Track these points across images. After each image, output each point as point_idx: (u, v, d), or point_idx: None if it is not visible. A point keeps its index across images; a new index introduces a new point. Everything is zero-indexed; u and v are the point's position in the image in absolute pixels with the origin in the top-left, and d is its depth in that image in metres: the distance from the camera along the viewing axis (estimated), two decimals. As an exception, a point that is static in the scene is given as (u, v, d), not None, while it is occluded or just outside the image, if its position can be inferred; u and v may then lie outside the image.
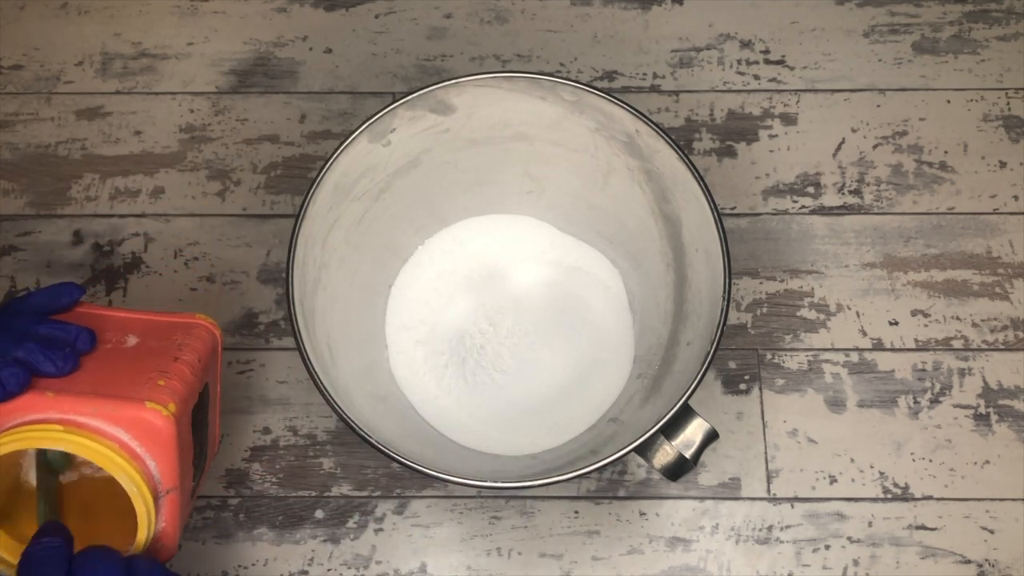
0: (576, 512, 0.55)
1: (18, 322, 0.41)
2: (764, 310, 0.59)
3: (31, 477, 0.43)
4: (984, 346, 0.58)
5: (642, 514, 0.55)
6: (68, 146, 0.63)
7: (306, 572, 0.54)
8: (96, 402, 0.39)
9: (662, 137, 0.47)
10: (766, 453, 0.56)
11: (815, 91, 0.64)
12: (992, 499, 0.55)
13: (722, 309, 0.45)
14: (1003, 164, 0.62)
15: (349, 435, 0.54)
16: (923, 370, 0.58)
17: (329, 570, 0.54)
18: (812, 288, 0.60)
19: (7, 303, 0.43)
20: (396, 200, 0.54)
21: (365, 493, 0.56)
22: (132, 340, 0.44)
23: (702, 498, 0.55)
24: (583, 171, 0.54)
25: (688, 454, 0.45)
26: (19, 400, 0.38)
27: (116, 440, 0.39)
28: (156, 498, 0.40)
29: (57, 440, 0.38)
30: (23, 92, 0.64)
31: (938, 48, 0.65)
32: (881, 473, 0.56)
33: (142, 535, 0.39)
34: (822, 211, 0.61)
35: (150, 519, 0.39)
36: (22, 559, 0.37)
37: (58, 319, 0.42)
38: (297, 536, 0.55)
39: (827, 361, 0.58)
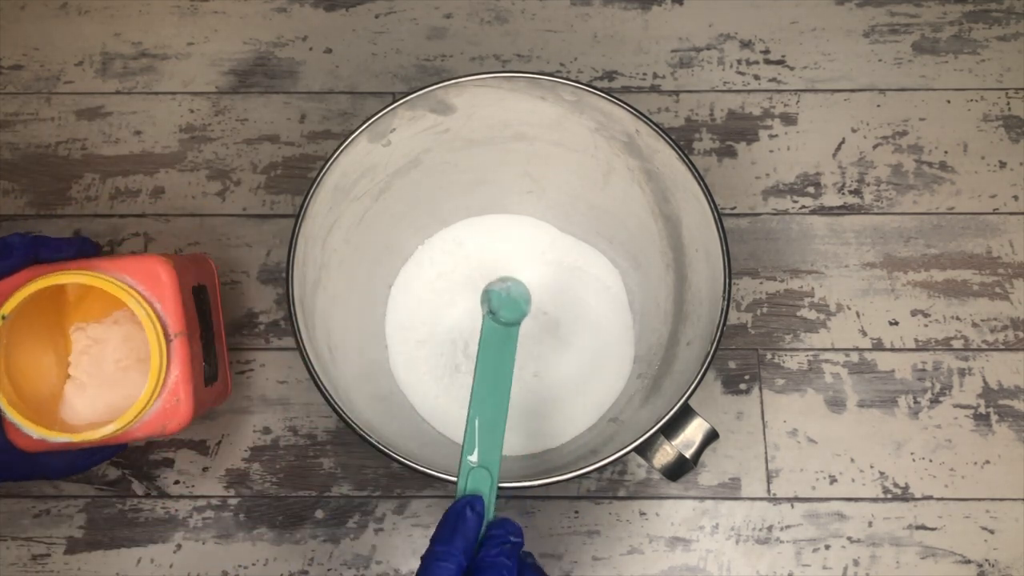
0: (576, 512, 0.55)
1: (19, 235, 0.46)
2: (764, 310, 0.59)
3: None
4: (984, 346, 0.58)
5: (642, 514, 0.55)
6: (68, 146, 0.63)
7: (306, 572, 0.54)
8: (106, 260, 0.44)
9: (662, 137, 0.47)
10: (766, 453, 0.56)
11: (815, 91, 0.64)
12: (992, 499, 0.55)
13: (722, 309, 0.45)
14: (1003, 164, 0.62)
15: (349, 435, 0.54)
16: (923, 370, 0.58)
17: (329, 570, 0.54)
18: (812, 288, 0.60)
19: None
20: (396, 200, 0.54)
21: (365, 493, 0.56)
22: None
23: (702, 498, 0.55)
24: (583, 171, 0.54)
25: (688, 454, 0.45)
26: (41, 268, 0.44)
27: (126, 283, 0.44)
28: (167, 340, 0.44)
29: (76, 275, 0.43)
30: (23, 92, 0.64)
31: (938, 48, 0.65)
32: (881, 473, 0.56)
33: (154, 369, 0.43)
34: (822, 211, 0.61)
35: (162, 353, 0.43)
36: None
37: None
38: (297, 536, 0.55)
39: (827, 361, 0.58)
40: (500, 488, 0.43)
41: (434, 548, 0.37)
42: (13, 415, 0.42)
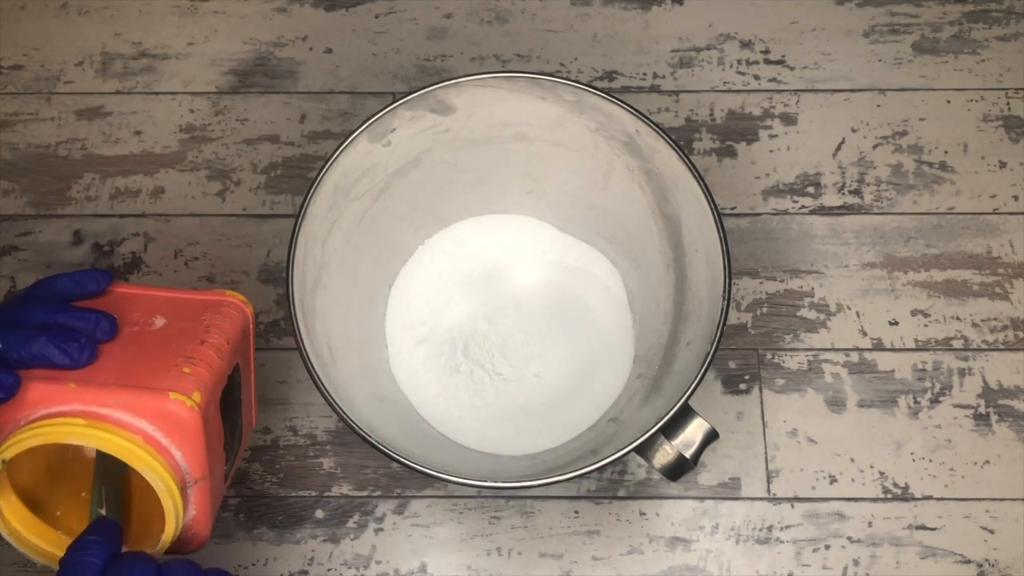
0: (576, 512, 0.55)
1: (36, 311, 0.40)
2: (764, 310, 0.59)
3: (71, 457, 0.42)
4: (984, 346, 0.58)
5: (642, 514, 0.55)
6: (68, 146, 0.63)
7: (306, 572, 0.54)
8: (118, 393, 0.38)
9: (662, 137, 0.47)
10: (766, 453, 0.56)
11: (815, 91, 0.64)
12: (992, 499, 0.55)
13: (722, 309, 0.45)
14: (1003, 164, 0.62)
15: (349, 435, 0.54)
16: (923, 370, 0.58)
17: (329, 570, 0.54)
18: (812, 288, 0.60)
19: (34, 284, 0.42)
20: (396, 200, 0.54)
21: (365, 493, 0.56)
22: (159, 321, 0.42)
23: (702, 498, 0.55)
24: (583, 171, 0.54)
25: (688, 454, 0.45)
26: (40, 391, 0.37)
27: (140, 432, 0.37)
28: (184, 488, 0.39)
29: (80, 435, 0.37)
30: (23, 92, 0.64)
31: (938, 48, 0.65)
32: (881, 473, 0.56)
33: (169, 529, 0.38)
34: (822, 211, 0.61)
35: (177, 512, 0.38)
36: (60, 568, 0.36)
37: (80, 305, 0.41)
38: (297, 536, 0.55)
39: (827, 361, 0.58)
40: (500, 488, 0.43)
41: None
42: (19, 546, 0.39)
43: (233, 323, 0.43)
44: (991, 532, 0.55)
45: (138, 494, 0.41)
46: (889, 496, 0.55)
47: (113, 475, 0.41)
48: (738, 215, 0.61)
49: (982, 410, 0.57)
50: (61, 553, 0.37)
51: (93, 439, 0.37)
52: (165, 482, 0.37)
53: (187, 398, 0.38)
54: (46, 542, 0.40)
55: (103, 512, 0.40)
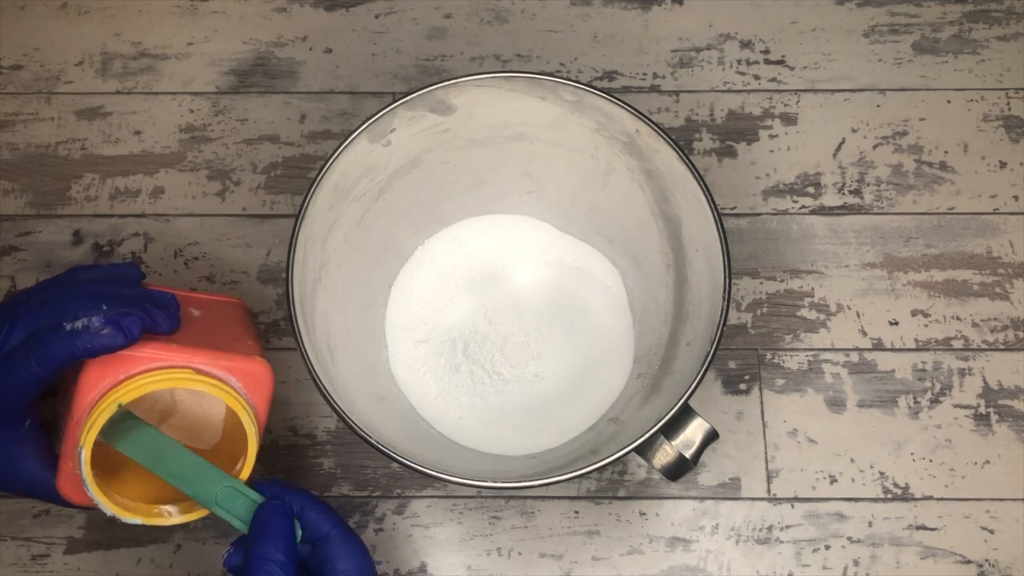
0: (576, 512, 0.55)
1: (117, 286, 0.43)
2: (764, 310, 0.59)
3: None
4: (984, 346, 0.58)
5: (642, 514, 0.55)
6: (68, 146, 0.63)
7: (306, 572, 0.54)
8: (213, 354, 0.42)
9: (662, 137, 0.47)
10: (766, 453, 0.56)
11: (815, 91, 0.64)
12: (992, 499, 0.55)
13: (722, 309, 0.45)
14: (1003, 164, 0.62)
15: (349, 435, 0.54)
16: (923, 370, 0.58)
17: (329, 570, 0.54)
18: (812, 288, 0.60)
19: (74, 268, 0.45)
20: (396, 200, 0.54)
21: (365, 493, 0.56)
22: (196, 312, 0.46)
23: (702, 498, 0.55)
24: (583, 171, 0.54)
25: (688, 454, 0.45)
26: (145, 349, 0.41)
27: (231, 386, 0.43)
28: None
29: (195, 381, 0.41)
30: (23, 92, 0.64)
31: (938, 48, 0.65)
32: (881, 473, 0.56)
33: (247, 472, 0.43)
34: (822, 211, 0.61)
35: (254, 458, 0.43)
36: (263, 511, 0.41)
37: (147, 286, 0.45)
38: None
39: (827, 361, 0.58)
40: (500, 488, 0.43)
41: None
42: (100, 499, 0.41)
43: (248, 316, 0.50)
44: (991, 532, 0.55)
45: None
46: (889, 496, 0.55)
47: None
48: (738, 215, 0.61)
49: (982, 410, 0.57)
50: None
51: (207, 387, 0.41)
52: (254, 428, 0.43)
53: (266, 360, 0.44)
54: (126, 499, 0.43)
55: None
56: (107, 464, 0.42)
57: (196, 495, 0.41)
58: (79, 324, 0.40)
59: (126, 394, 0.40)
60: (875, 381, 0.58)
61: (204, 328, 0.45)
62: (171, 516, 0.43)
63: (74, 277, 0.44)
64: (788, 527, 0.55)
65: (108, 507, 0.41)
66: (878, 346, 0.58)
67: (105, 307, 0.40)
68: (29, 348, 0.40)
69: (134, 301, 0.41)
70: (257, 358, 0.44)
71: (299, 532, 0.42)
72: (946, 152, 0.63)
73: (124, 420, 0.42)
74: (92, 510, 0.53)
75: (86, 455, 0.40)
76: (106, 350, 0.40)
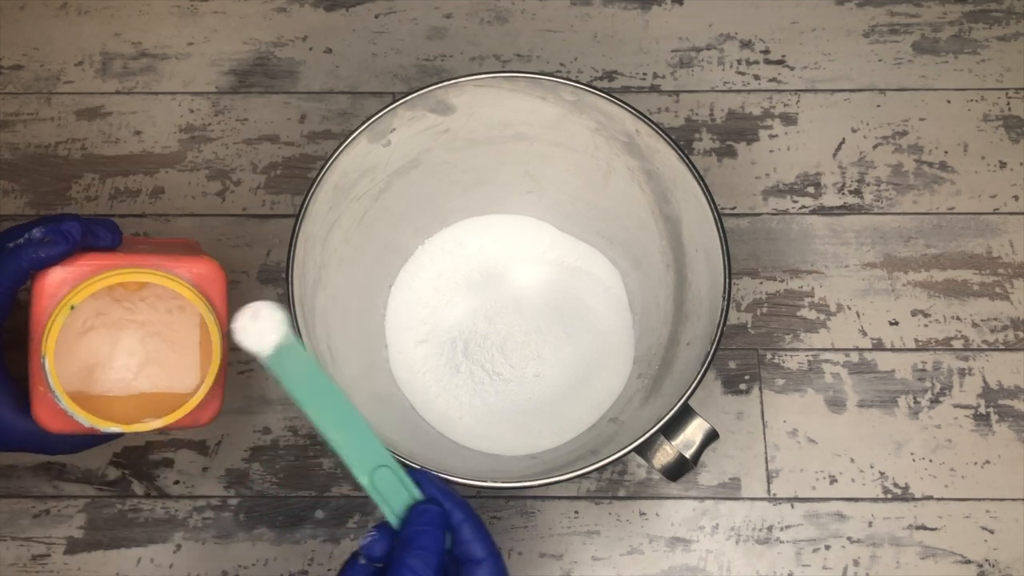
0: (576, 512, 0.55)
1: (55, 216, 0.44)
2: (764, 310, 0.59)
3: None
4: (984, 346, 0.58)
5: (642, 514, 0.55)
6: (68, 146, 0.63)
7: (306, 572, 0.54)
8: (164, 258, 0.43)
9: (662, 137, 0.47)
10: (766, 453, 0.56)
11: (815, 91, 0.64)
12: (992, 499, 0.55)
13: (722, 309, 0.45)
14: (1003, 164, 0.62)
15: (349, 435, 0.54)
16: (923, 370, 0.58)
17: (329, 570, 0.54)
18: (812, 288, 0.60)
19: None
20: (396, 200, 0.54)
21: (365, 493, 0.55)
22: (142, 247, 0.47)
23: (702, 498, 0.55)
24: (583, 171, 0.54)
25: (688, 454, 0.45)
26: (92, 259, 0.42)
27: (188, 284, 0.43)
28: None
29: (147, 275, 0.41)
30: (23, 92, 0.64)
31: (938, 48, 0.65)
32: (881, 473, 0.56)
33: (215, 365, 0.43)
34: (822, 211, 0.61)
35: (222, 348, 0.43)
36: (422, 516, 0.39)
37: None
38: (297, 536, 0.55)
39: (827, 361, 0.58)
40: (500, 488, 0.43)
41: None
42: (73, 409, 0.41)
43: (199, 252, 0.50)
44: (991, 532, 0.55)
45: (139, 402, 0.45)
46: (889, 496, 0.55)
47: None
48: (738, 215, 0.61)
49: (982, 410, 0.57)
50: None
51: (166, 281, 0.42)
52: (215, 323, 0.43)
53: (216, 262, 0.44)
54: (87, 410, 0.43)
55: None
56: (90, 409, 0.42)
57: (350, 461, 0.39)
58: (20, 240, 0.41)
59: (77, 295, 0.40)
60: (875, 381, 0.58)
61: (152, 249, 0.46)
62: (149, 423, 0.42)
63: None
64: (788, 527, 0.55)
65: (83, 417, 0.41)
66: (878, 346, 0.58)
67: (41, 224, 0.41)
68: None
69: (72, 217, 0.42)
70: (205, 258, 0.44)
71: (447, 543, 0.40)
72: (946, 152, 0.63)
73: (293, 351, 0.40)
74: (90, 501, 0.53)
75: (49, 364, 0.40)
76: (52, 259, 0.40)
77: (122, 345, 0.46)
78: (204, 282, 0.44)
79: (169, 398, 0.45)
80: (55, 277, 0.41)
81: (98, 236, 0.42)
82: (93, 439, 0.46)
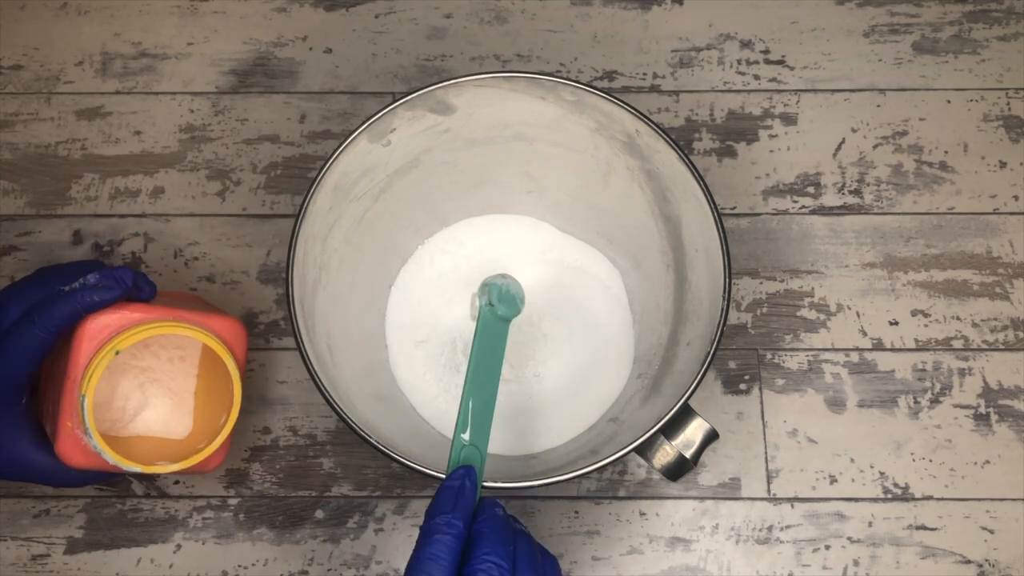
0: (576, 512, 0.55)
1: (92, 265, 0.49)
2: (764, 310, 0.59)
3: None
4: (984, 346, 0.58)
5: (642, 514, 0.55)
6: (68, 146, 0.63)
7: (306, 572, 0.54)
8: (193, 313, 0.46)
9: (662, 137, 0.47)
10: (766, 453, 0.56)
11: (815, 91, 0.64)
12: (992, 499, 0.55)
13: (722, 309, 0.45)
14: (1003, 164, 0.62)
15: (349, 435, 0.54)
16: (923, 370, 0.58)
17: (329, 570, 0.54)
18: (812, 288, 0.60)
19: (41, 268, 0.49)
20: (396, 200, 0.54)
21: (365, 493, 0.56)
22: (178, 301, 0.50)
23: (702, 498, 0.55)
24: (583, 171, 0.54)
25: (688, 454, 0.45)
26: (142, 308, 0.44)
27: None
28: None
29: (187, 329, 0.44)
30: (23, 92, 0.64)
31: (938, 48, 0.65)
32: (881, 473, 0.56)
33: (235, 412, 0.46)
34: (822, 211, 0.61)
35: (238, 401, 0.46)
36: (494, 512, 0.39)
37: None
38: (297, 536, 0.55)
39: (827, 361, 0.58)
40: (500, 488, 0.43)
41: (435, 520, 0.37)
42: (104, 448, 0.43)
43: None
44: (991, 532, 0.55)
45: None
46: (889, 496, 0.55)
47: None
48: (738, 215, 0.61)
49: (982, 410, 0.57)
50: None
51: (199, 335, 0.45)
52: (237, 377, 0.46)
53: (240, 320, 0.48)
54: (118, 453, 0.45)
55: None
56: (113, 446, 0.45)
57: (463, 422, 0.43)
58: (76, 284, 0.43)
59: (123, 341, 0.43)
60: (875, 381, 0.58)
61: (175, 303, 0.48)
62: (166, 465, 0.45)
63: (45, 271, 0.47)
64: (788, 527, 0.55)
65: (110, 455, 0.43)
66: (878, 346, 0.58)
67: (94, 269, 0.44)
68: (31, 317, 0.42)
69: (123, 268, 0.45)
70: (231, 317, 0.47)
71: None
72: (946, 152, 0.63)
73: (503, 325, 0.48)
74: (90, 501, 0.53)
75: (88, 403, 0.42)
76: (104, 302, 0.43)
77: (121, 389, 0.49)
78: (230, 338, 0.47)
79: (162, 443, 0.48)
80: (99, 322, 0.43)
81: (141, 289, 0.45)
82: (99, 476, 0.49)
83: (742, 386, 0.58)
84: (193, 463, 0.45)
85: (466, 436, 0.42)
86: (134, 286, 0.44)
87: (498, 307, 0.48)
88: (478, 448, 0.42)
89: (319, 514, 0.55)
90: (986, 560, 0.54)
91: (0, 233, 0.61)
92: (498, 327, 0.48)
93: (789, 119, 0.63)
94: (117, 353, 0.43)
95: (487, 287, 0.50)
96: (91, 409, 0.42)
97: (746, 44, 0.65)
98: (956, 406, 0.57)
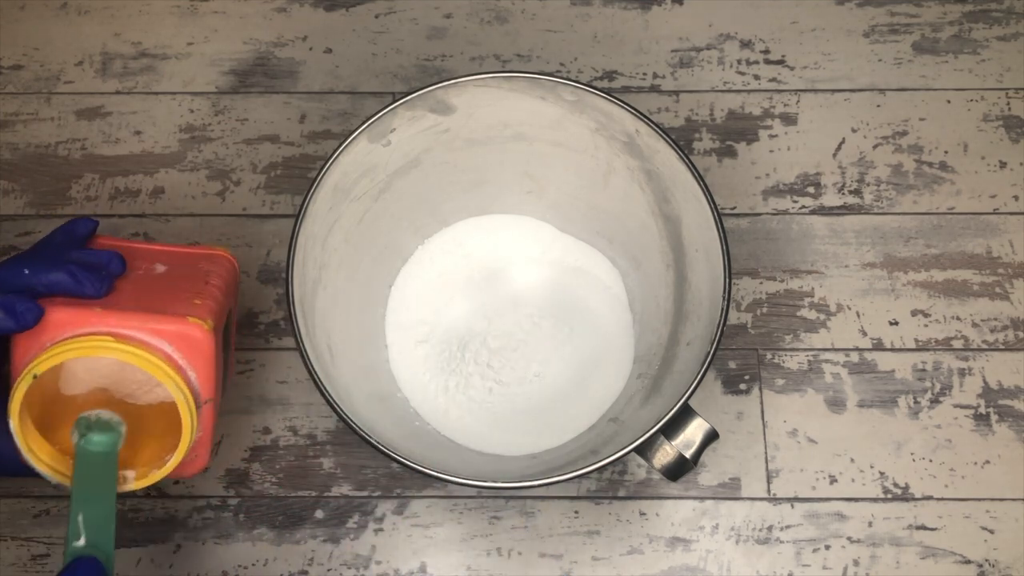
0: (576, 512, 0.55)
1: (51, 251, 0.43)
2: (764, 310, 0.59)
3: (71, 388, 0.44)
4: (984, 346, 0.58)
5: (642, 514, 0.55)
6: (68, 146, 0.63)
7: (306, 572, 0.54)
8: (141, 316, 0.41)
9: (662, 137, 0.47)
10: (766, 453, 0.56)
11: (815, 91, 0.64)
12: (992, 499, 0.55)
13: (722, 309, 0.45)
14: (1003, 164, 0.62)
15: (349, 435, 0.54)
16: (923, 370, 0.58)
17: (329, 570, 0.54)
18: (812, 288, 0.60)
19: (34, 244, 0.45)
20: (396, 200, 0.54)
21: (365, 493, 0.56)
22: (160, 268, 0.46)
23: (702, 498, 0.55)
24: (583, 171, 0.54)
25: (688, 454, 0.45)
26: (69, 313, 0.40)
27: (161, 352, 0.41)
28: (197, 408, 0.42)
29: (110, 349, 0.40)
30: (23, 92, 0.64)
31: (938, 48, 0.65)
32: (881, 473, 0.56)
33: (185, 442, 0.41)
34: (822, 211, 0.61)
35: (193, 427, 0.41)
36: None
37: (88, 247, 0.45)
38: (297, 536, 0.55)
39: (827, 361, 0.58)
40: (500, 488, 0.43)
41: None
42: (52, 476, 0.41)
43: (227, 272, 0.48)
44: (991, 532, 0.55)
45: (142, 419, 0.43)
46: (889, 496, 0.55)
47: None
48: (738, 215, 0.61)
49: (982, 410, 0.57)
50: (68, 473, 0.40)
51: (124, 354, 0.40)
52: (186, 396, 0.40)
53: (203, 322, 0.42)
54: (56, 461, 0.42)
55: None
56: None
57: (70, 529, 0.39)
58: None
59: (40, 364, 0.39)
60: (875, 381, 0.58)
61: (153, 286, 0.44)
62: (126, 482, 0.42)
63: (32, 249, 0.44)
64: (788, 527, 0.55)
65: (45, 471, 0.41)
66: (878, 346, 0.58)
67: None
68: None
69: (61, 265, 0.41)
70: (191, 319, 0.41)
71: None
72: (946, 152, 0.63)
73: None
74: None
75: (14, 425, 0.40)
76: (7, 332, 0.40)
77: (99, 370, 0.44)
78: (188, 348, 0.41)
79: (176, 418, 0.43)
80: (28, 338, 0.40)
81: (83, 287, 0.41)
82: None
83: (742, 386, 0.58)
84: (149, 482, 0.42)
85: (80, 542, 0.39)
86: (75, 287, 0.40)
87: (92, 438, 0.41)
88: (102, 550, 0.39)
89: (319, 514, 0.55)
90: (986, 560, 0.54)
91: (0, 233, 0.61)
92: (98, 458, 0.41)
93: (789, 119, 0.63)
94: (36, 377, 0.39)
95: (79, 422, 0.44)
96: (18, 430, 0.40)
97: (746, 44, 0.65)
98: (956, 406, 0.57)
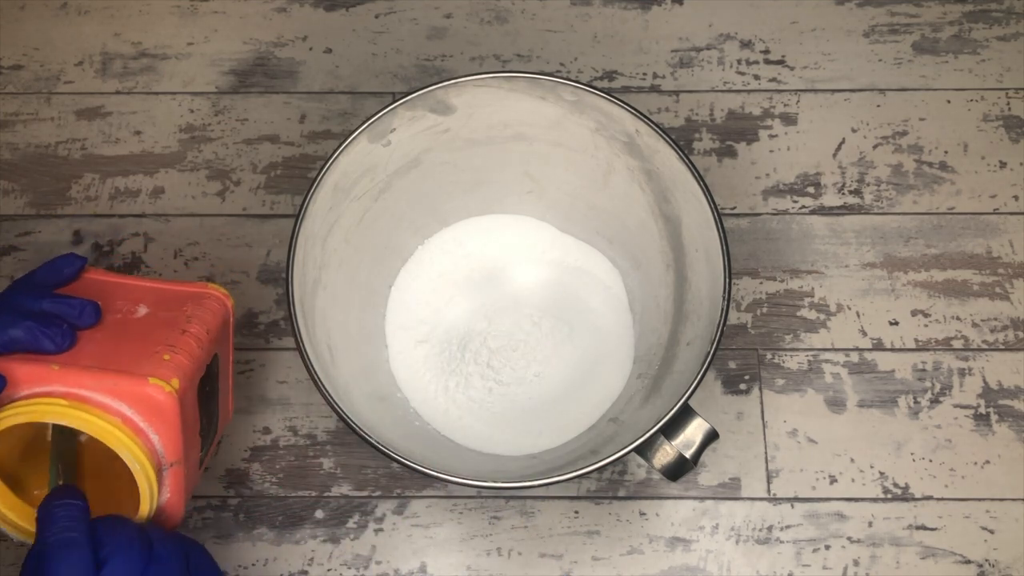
0: (576, 512, 0.55)
1: (22, 298, 0.41)
2: (764, 310, 0.59)
3: (46, 439, 0.43)
4: (984, 346, 0.58)
5: (642, 514, 0.55)
6: (68, 146, 0.63)
7: (306, 572, 0.54)
8: (100, 376, 0.39)
9: (662, 137, 0.47)
10: (766, 453, 0.56)
11: (815, 91, 0.64)
12: (992, 499, 0.55)
13: (722, 309, 0.45)
14: (1003, 164, 0.62)
15: (349, 435, 0.54)
16: (923, 370, 0.58)
17: (329, 570, 0.54)
18: (812, 288, 0.60)
19: (14, 281, 0.43)
20: (396, 200, 0.54)
21: (365, 493, 0.56)
22: (142, 310, 0.44)
23: (702, 498, 0.55)
24: (583, 171, 0.54)
25: (688, 454, 0.45)
26: (25, 371, 0.39)
27: (119, 414, 0.39)
28: (159, 471, 0.40)
29: (61, 415, 0.38)
30: (23, 92, 0.64)
31: (938, 48, 0.65)
32: (881, 473, 0.56)
33: (144, 509, 0.40)
34: (822, 211, 0.61)
35: (152, 493, 0.39)
36: (41, 516, 0.37)
37: (63, 293, 0.42)
38: (297, 536, 0.55)
39: (827, 361, 0.58)
40: (500, 488, 0.43)
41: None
42: (16, 535, 0.41)
43: (214, 315, 0.45)
44: (991, 532, 0.55)
45: (112, 475, 0.42)
46: (889, 496, 0.55)
47: (68, 452, 0.43)
48: (738, 215, 0.61)
49: (982, 410, 0.57)
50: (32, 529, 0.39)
51: (74, 419, 0.38)
52: (141, 463, 0.39)
53: (166, 384, 0.39)
54: (23, 519, 0.41)
55: (61, 483, 0.40)
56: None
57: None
58: None
59: None
60: (875, 381, 0.58)
61: (125, 335, 0.42)
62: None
63: (12, 287, 0.43)
64: (788, 527, 0.55)
65: (5, 529, 0.41)
66: (878, 346, 0.58)
67: None
68: None
69: (22, 320, 0.39)
70: (152, 381, 0.39)
71: None
72: (946, 152, 0.63)
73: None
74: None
75: None
76: None
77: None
78: (148, 410, 0.39)
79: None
80: None
81: (40, 344, 0.39)
82: None
83: (742, 386, 0.58)
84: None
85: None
86: (33, 344, 0.39)
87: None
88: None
89: (319, 514, 0.55)
90: (986, 560, 0.54)
91: (0, 233, 0.61)
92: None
93: (789, 119, 0.63)
94: None
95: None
96: None
97: (746, 44, 0.65)
98: (956, 406, 0.57)
